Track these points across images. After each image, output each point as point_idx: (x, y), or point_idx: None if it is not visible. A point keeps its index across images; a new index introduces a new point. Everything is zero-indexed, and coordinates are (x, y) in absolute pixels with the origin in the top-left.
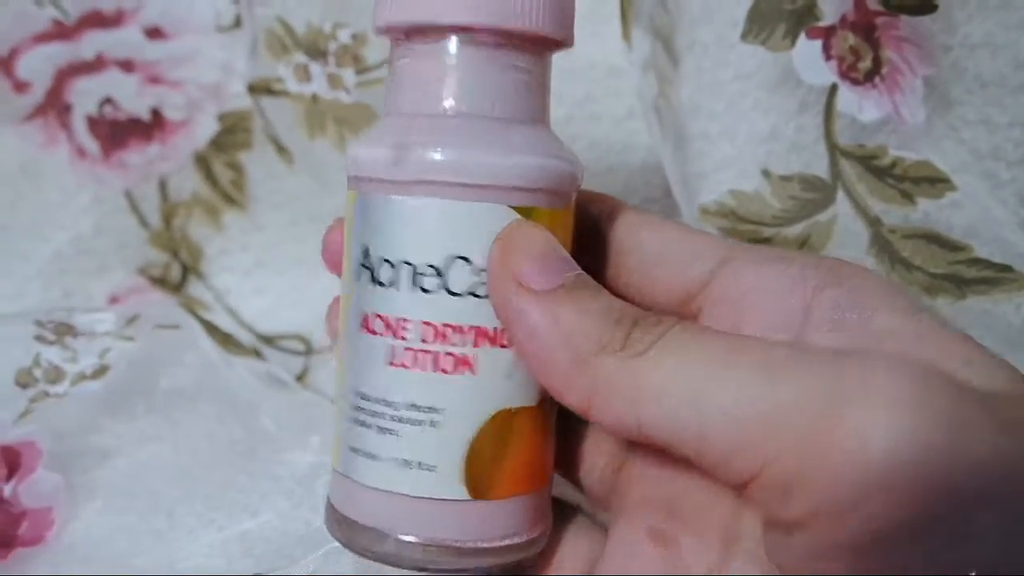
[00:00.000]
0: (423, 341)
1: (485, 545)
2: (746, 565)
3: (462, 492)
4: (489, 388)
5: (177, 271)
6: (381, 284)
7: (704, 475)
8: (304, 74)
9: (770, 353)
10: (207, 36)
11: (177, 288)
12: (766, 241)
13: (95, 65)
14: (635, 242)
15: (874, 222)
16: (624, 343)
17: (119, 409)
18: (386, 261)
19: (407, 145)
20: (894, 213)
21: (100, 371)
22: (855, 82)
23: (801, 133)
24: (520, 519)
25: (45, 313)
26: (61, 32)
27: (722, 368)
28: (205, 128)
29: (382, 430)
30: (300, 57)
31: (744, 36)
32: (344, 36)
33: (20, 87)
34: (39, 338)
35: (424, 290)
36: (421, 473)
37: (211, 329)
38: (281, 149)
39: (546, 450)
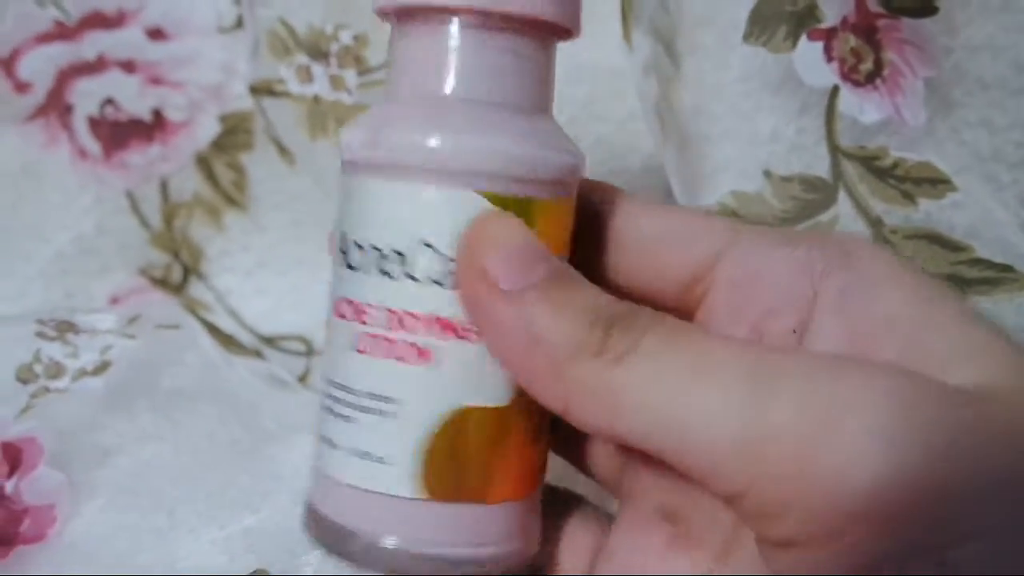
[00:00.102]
0: (385, 328)
1: (434, 551)
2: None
3: (413, 490)
4: (449, 382)
5: (178, 272)
6: (351, 268)
7: None
8: (306, 75)
9: (753, 367)
10: (209, 37)
11: (178, 289)
12: None
13: (96, 66)
14: (636, 227)
15: (875, 223)
16: (601, 347)
17: (120, 407)
18: (357, 245)
19: (382, 127)
20: (895, 214)
21: (101, 367)
22: (856, 84)
23: (802, 134)
24: (483, 530)
25: (47, 313)
26: (62, 33)
27: (702, 381)
28: (206, 129)
29: (343, 418)
30: (302, 58)
31: (745, 38)
32: (346, 37)
33: (21, 88)
34: (40, 335)
35: (388, 275)
36: (373, 465)
37: (212, 330)
38: (283, 150)
39: (523, 457)
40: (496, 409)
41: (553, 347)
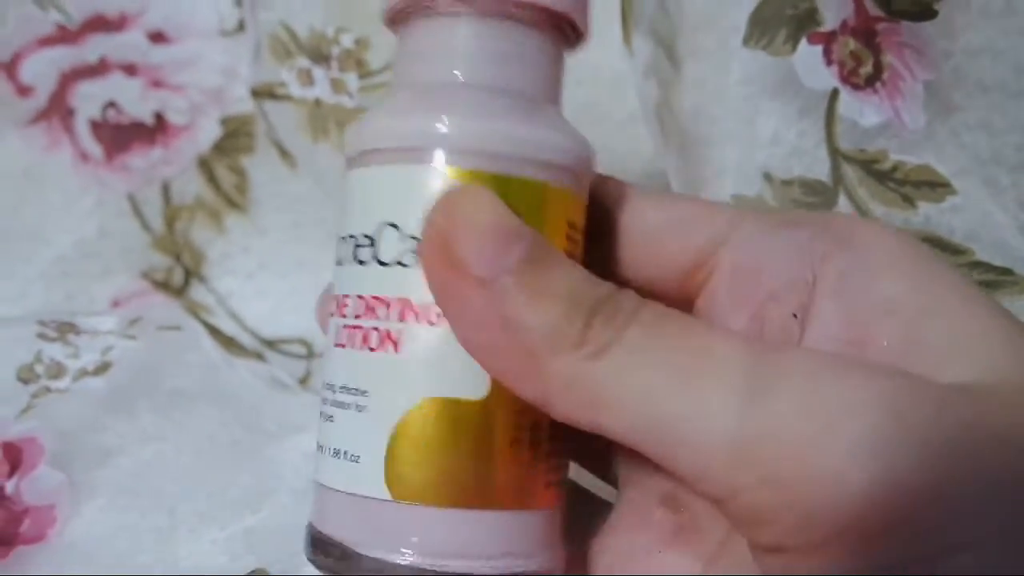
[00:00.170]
0: (356, 317)
1: (407, 560)
2: None
3: (384, 491)
4: (415, 370)
5: (179, 275)
6: (338, 264)
7: None
8: (307, 78)
9: (742, 366)
10: (210, 40)
11: (179, 292)
12: None
13: (98, 69)
14: (639, 218)
15: None
16: (581, 338)
17: (121, 408)
18: (341, 239)
19: (364, 120)
20: (895, 216)
21: (102, 368)
22: (856, 87)
23: (803, 137)
24: (458, 539)
25: (48, 314)
26: (65, 36)
27: (689, 377)
28: (208, 132)
29: (327, 417)
30: (303, 61)
31: (746, 41)
32: (347, 40)
33: (24, 91)
34: (41, 335)
35: (362, 263)
36: (348, 465)
37: (213, 332)
38: (284, 153)
39: (511, 461)
40: (469, 402)
41: (529, 338)
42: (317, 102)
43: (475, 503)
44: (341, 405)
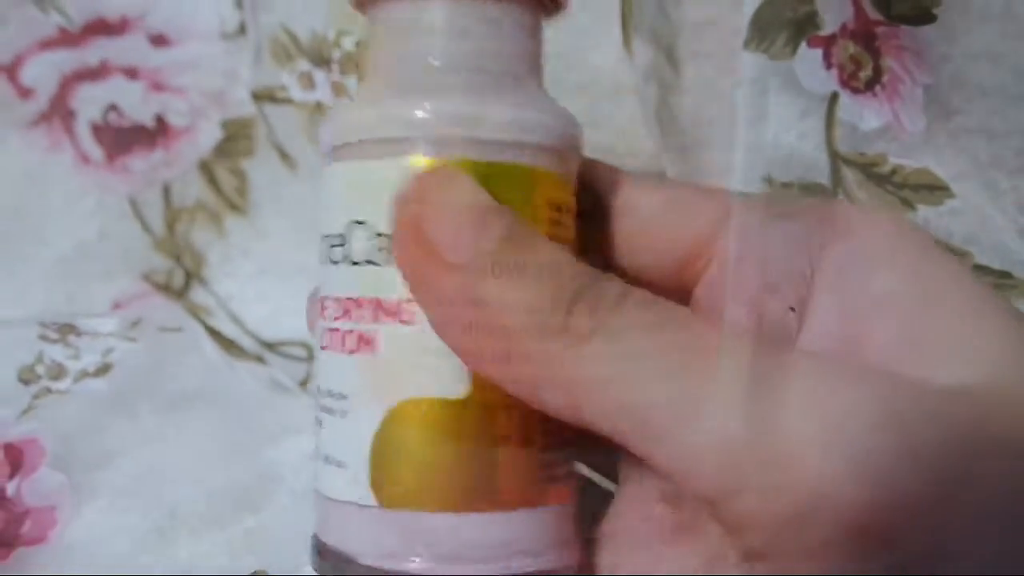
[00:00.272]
0: (335, 319)
1: (392, 568)
2: None
3: (369, 497)
4: (391, 372)
5: (180, 277)
6: (320, 264)
7: None
8: (308, 82)
9: (733, 365)
10: (211, 43)
11: (180, 294)
12: None
13: (100, 72)
14: (635, 206)
15: None
16: (563, 325)
17: (122, 409)
18: (321, 238)
19: (334, 109)
20: None
21: (103, 369)
22: (856, 91)
23: (802, 140)
24: (452, 543)
25: (49, 316)
26: (66, 39)
27: (673, 374)
28: (209, 135)
29: (318, 423)
30: (304, 65)
31: (746, 44)
32: (348, 44)
33: (25, 93)
34: (42, 337)
35: (334, 262)
36: (335, 471)
37: (214, 334)
38: (284, 156)
39: (500, 460)
40: (449, 402)
41: (509, 329)
42: (318, 105)
43: (464, 506)
44: (328, 411)
